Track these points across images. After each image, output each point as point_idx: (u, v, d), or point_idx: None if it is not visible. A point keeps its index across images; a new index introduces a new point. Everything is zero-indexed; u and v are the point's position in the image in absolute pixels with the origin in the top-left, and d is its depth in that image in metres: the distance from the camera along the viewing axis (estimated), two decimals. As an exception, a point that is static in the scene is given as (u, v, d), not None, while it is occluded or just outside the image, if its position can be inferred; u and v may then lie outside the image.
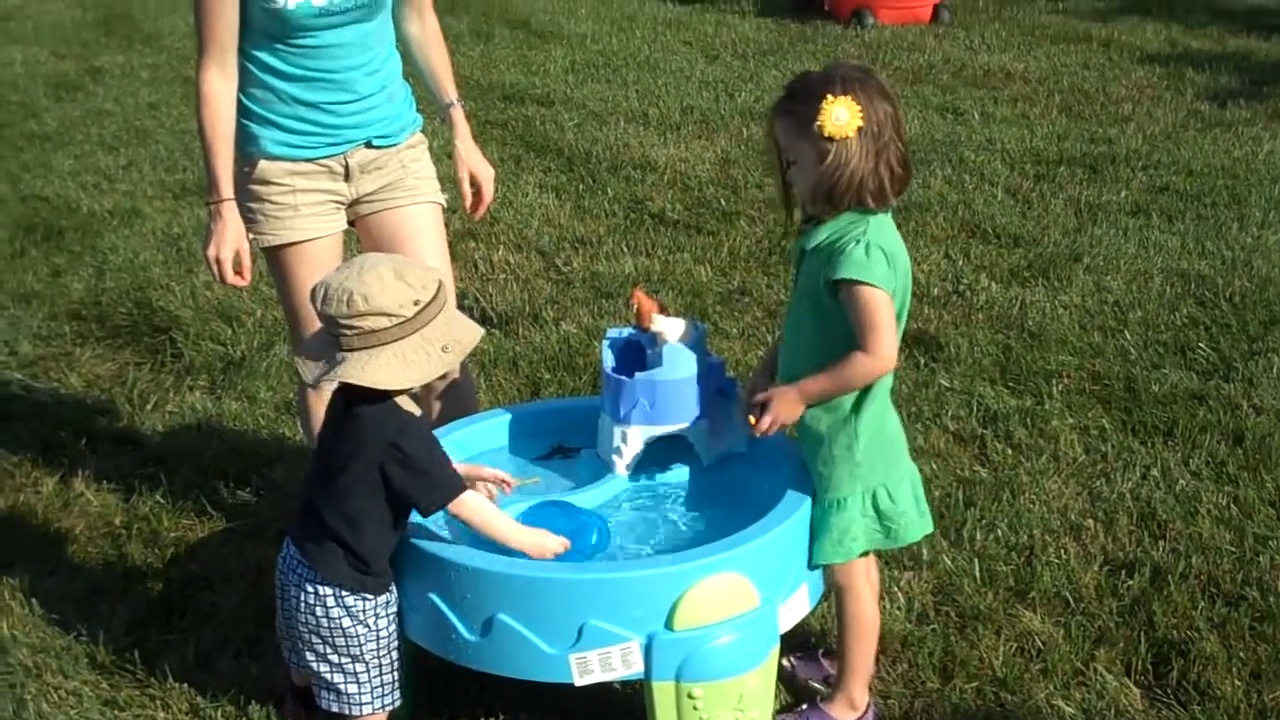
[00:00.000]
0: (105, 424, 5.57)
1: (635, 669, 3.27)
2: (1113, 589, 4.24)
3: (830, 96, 3.25)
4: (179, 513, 4.83)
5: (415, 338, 3.19)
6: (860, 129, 3.26)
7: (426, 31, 4.33)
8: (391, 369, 3.17)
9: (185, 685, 3.87)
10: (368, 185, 4.16)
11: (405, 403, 3.29)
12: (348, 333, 3.16)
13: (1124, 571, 4.32)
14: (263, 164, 4.02)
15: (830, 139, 3.26)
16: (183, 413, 5.61)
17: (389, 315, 3.15)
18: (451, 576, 3.30)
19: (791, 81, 3.44)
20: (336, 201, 4.14)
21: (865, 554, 3.54)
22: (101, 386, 5.95)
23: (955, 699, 3.76)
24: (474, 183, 4.38)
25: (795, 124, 3.33)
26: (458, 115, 4.36)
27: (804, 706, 3.72)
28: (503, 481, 3.63)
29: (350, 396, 3.25)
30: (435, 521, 3.54)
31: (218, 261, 3.92)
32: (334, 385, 3.28)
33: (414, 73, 4.36)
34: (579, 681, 3.28)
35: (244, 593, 4.28)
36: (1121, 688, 3.79)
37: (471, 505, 3.32)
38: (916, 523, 3.56)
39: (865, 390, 3.42)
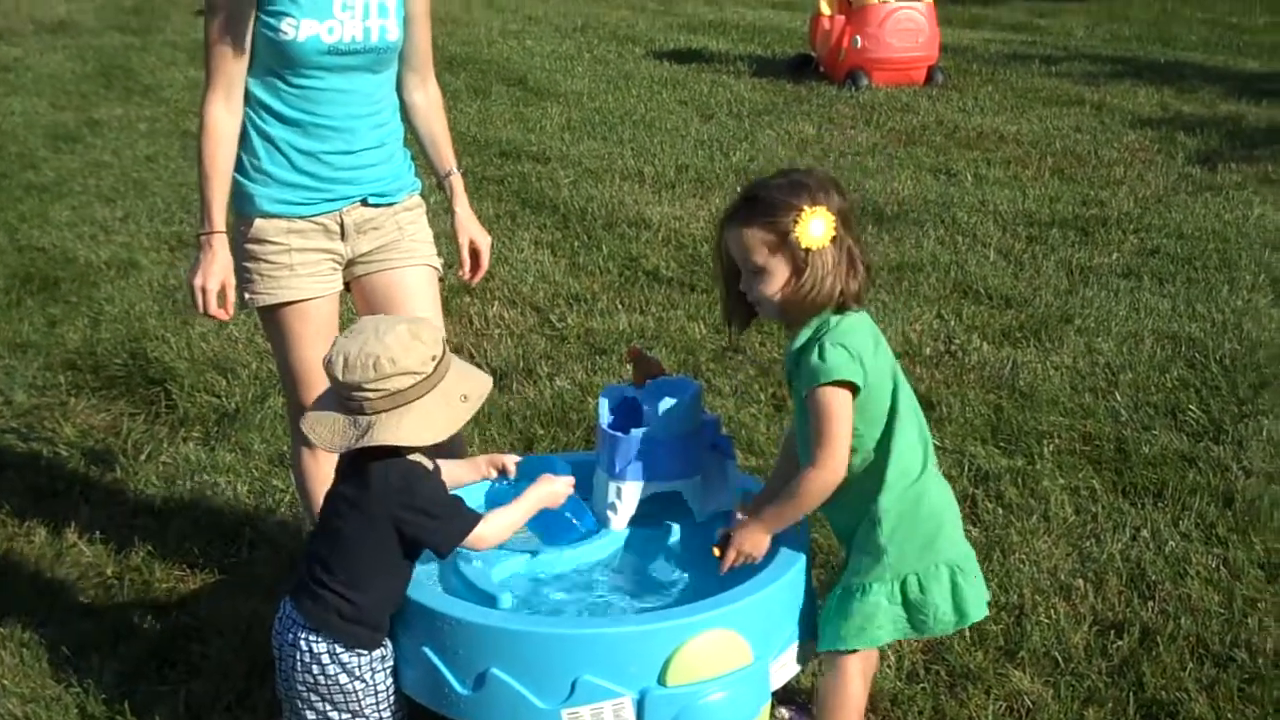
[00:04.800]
0: (99, 474, 5.58)
1: (627, 725, 3.28)
2: (1102, 649, 4.25)
3: (806, 208, 3.24)
4: (171, 564, 4.84)
5: (436, 392, 3.26)
6: (835, 238, 3.27)
7: (430, 100, 4.37)
8: (421, 425, 3.23)
9: (176, 737, 3.87)
10: (363, 245, 4.18)
11: (413, 455, 3.33)
12: (372, 396, 3.20)
13: (1113, 632, 4.34)
14: (259, 223, 4.03)
15: (807, 251, 3.25)
16: (176, 464, 5.62)
17: (413, 374, 3.21)
18: (444, 630, 3.30)
19: (749, 191, 3.40)
20: (334, 261, 4.14)
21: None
22: (96, 437, 5.96)
23: (945, 758, 3.78)
24: (472, 249, 4.43)
25: (766, 236, 3.30)
26: (457, 183, 4.42)
27: None
28: (503, 468, 3.70)
29: (365, 451, 3.27)
30: (430, 573, 3.57)
31: (203, 291, 3.93)
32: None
33: (414, 139, 4.40)
34: (571, 737, 3.28)
35: (235, 645, 4.28)
36: (1111, 748, 3.81)
37: (486, 532, 3.38)
38: (950, 617, 3.44)
39: (882, 468, 3.36)
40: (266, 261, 4.05)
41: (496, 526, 3.41)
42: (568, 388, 6.23)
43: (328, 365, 3.24)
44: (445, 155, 4.42)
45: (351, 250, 4.16)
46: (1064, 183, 10.05)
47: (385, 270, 4.23)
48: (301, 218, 4.05)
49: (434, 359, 3.25)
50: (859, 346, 3.30)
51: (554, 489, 3.53)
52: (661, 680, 3.24)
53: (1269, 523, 4.96)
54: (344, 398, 3.24)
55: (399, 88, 4.26)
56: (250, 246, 4.05)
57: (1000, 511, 5.08)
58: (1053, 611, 4.43)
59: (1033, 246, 8.41)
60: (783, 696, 3.60)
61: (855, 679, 3.50)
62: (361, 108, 4.06)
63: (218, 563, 4.86)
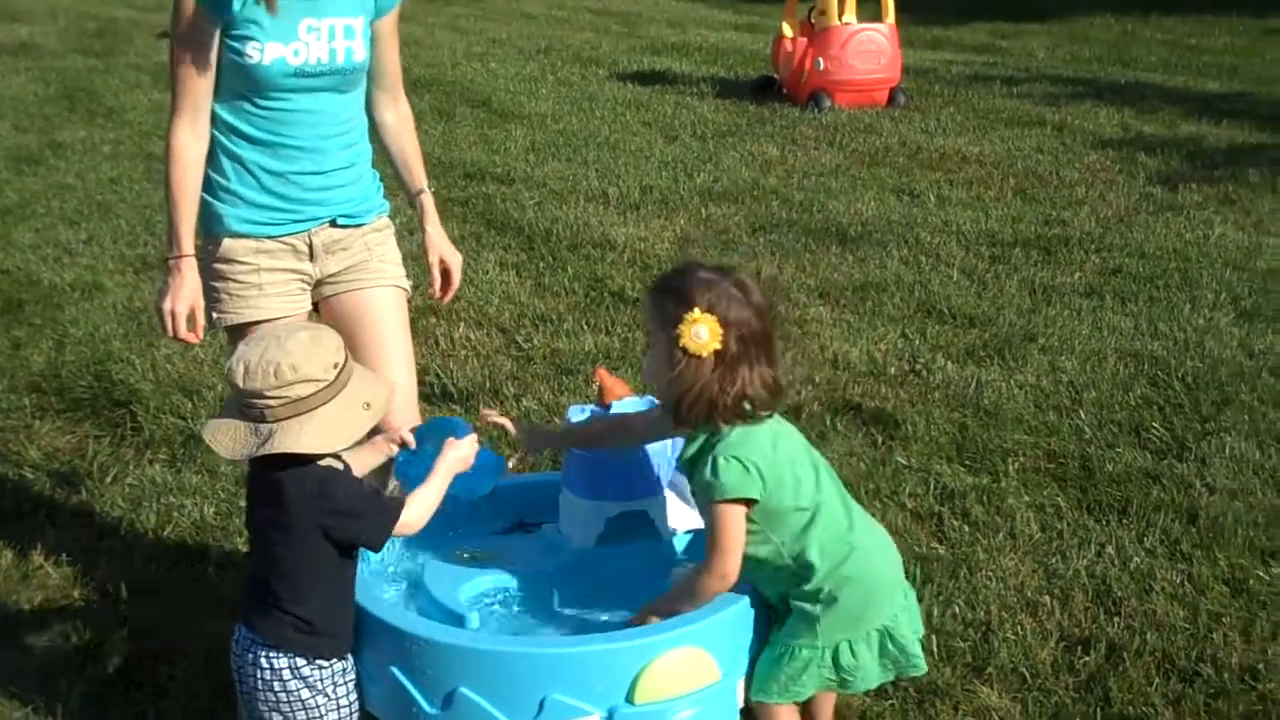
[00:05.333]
0: (65, 496, 5.56)
1: (596, 742, 3.28)
2: (1069, 665, 4.28)
3: (697, 311, 3.22)
4: (138, 586, 4.82)
5: (339, 399, 3.24)
6: (717, 353, 3.24)
7: (401, 120, 4.37)
8: (322, 433, 3.21)
9: (144, 759, 3.86)
10: (332, 266, 4.18)
11: (323, 459, 3.32)
12: (274, 403, 3.18)
13: (1080, 648, 4.36)
14: (227, 242, 4.04)
15: (685, 351, 3.24)
16: (143, 486, 5.60)
17: (315, 381, 3.19)
18: (412, 650, 3.30)
19: (673, 270, 3.42)
20: (302, 282, 4.15)
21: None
22: (61, 459, 5.93)
23: (913, 774, 3.79)
24: (443, 268, 4.42)
25: (659, 315, 3.30)
26: (427, 201, 4.40)
27: None
28: (402, 441, 3.66)
29: (271, 463, 3.25)
30: (398, 594, 3.58)
31: (172, 315, 3.93)
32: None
33: (386, 159, 4.40)
34: (540, 755, 3.28)
35: (202, 666, 4.27)
36: (1078, 763, 3.83)
37: (411, 517, 3.39)
38: (877, 674, 3.47)
39: (805, 558, 3.35)
40: (235, 281, 4.05)
41: (420, 508, 3.42)
42: (534, 408, 6.23)
43: (228, 373, 3.23)
44: (416, 173, 4.42)
45: (320, 271, 4.16)
46: (1026, 203, 10.11)
47: (354, 291, 4.23)
48: (270, 238, 4.05)
49: (336, 366, 3.24)
50: (753, 455, 3.29)
51: (461, 454, 3.51)
52: (630, 698, 3.24)
53: (1233, 539, 5.00)
54: (245, 405, 3.22)
55: (369, 107, 4.27)
56: (219, 266, 4.05)
57: (966, 529, 5.10)
58: (1020, 628, 4.46)
59: (996, 266, 8.46)
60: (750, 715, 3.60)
61: None
62: (330, 128, 4.06)
63: (184, 584, 4.84)
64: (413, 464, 3.62)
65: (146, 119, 13.20)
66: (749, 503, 3.30)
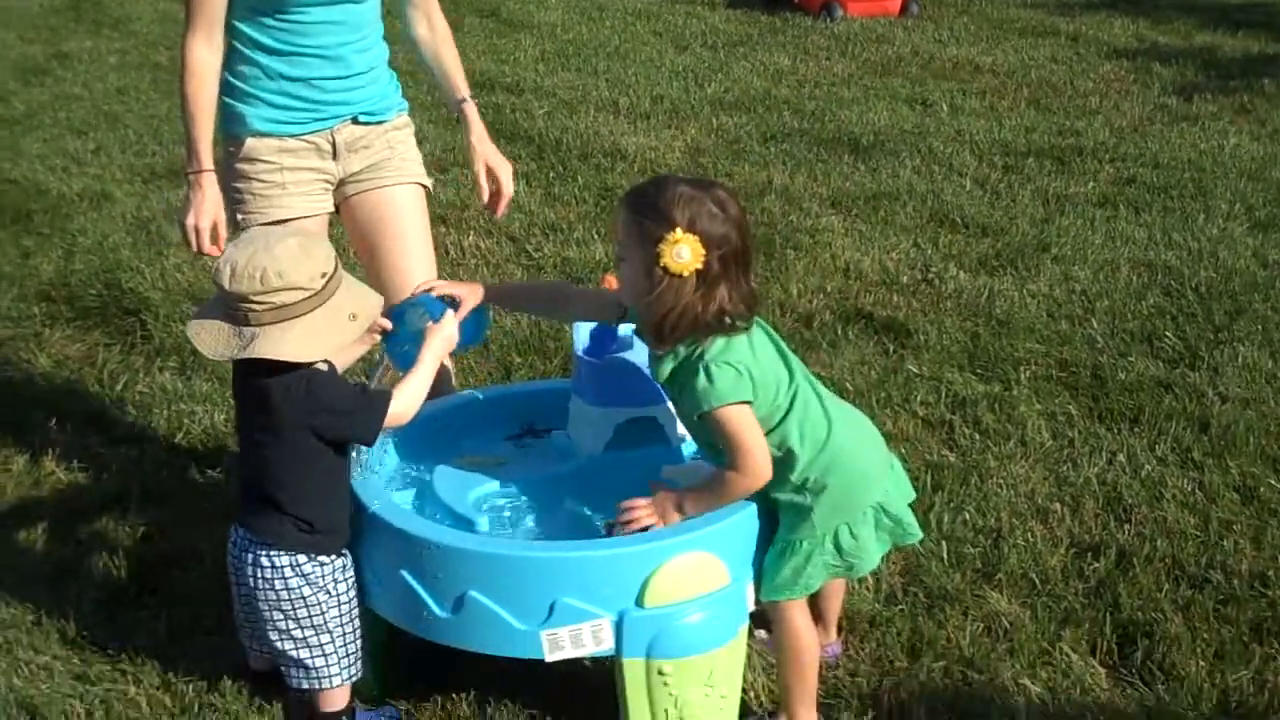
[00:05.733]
0: (75, 404, 5.55)
1: (606, 646, 3.29)
2: (1079, 571, 4.28)
3: (679, 230, 3.17)
4: (149, 492, 4.83)
5: (324, 309, 3.23)
6: (699, 271, 3.20)
7: (436, 34, 4.35)
8: (305, 341, 3.20)
9: (156, 661, 3.87)
10: (354, 164, 4.16)
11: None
12: (258, 308, 3.17)
13: (1090, 554, 4.36)
14: (250, 142, 4.01)
15: (666, 270, 3.19)
16: (153, 393, 5.60)
17: (300, 289, 3.18)
18: (423, 554, 3.31)
19: (649, 184, 3.35)
20: (325, 181, 4.14)
21: None
22: (71, 367, 5.93)
23: (923, 678, 3.79)
24: (492, 177, 4.33)
25: (637, 233, 3.25)
26: (471, 111, 4.32)
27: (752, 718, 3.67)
28: (382, 330, 3.62)
29: (256, 369, 3.25)
30: (406, 498, 3.60)
31: (195, 230, 3.91)
32: None
33: (425, 73, 4.39)
34: (549, 657, 3.29)
35: (214, 571, 4.26)
36: (1087, 667, 3.83)
37: (400, 408, 3.39)
38: (876, 551, 3.48)
39: (790, 448, 3.34)
40: (259, 180, 4.04)
41: (409, 397, 3.42)
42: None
43: (215, 273, 3.21)
44: (457, 84, 4.36)
45: (343, 170, 4.15)
46: (1040, 113, 10.04)
47: (375, 189, 4.22)
48: (293, 136, 4.04)
49: (324, 276, 3.23)
50: (740, 358, 3.27)
51: (444, 334, 3.51)
52: (640, 602, 3.25)
53: (1244, 447, 4.98)
54: (230, 307, 3.21)
55: (405, 26, 4.26)
56: (241, 166, 4.03)
57: (977, 437, 5.09)
58: (1030, 535, 4.46)
59: (1009, 176, 8.41)
60: (760, 618, 3.60)
61: (798, 623, 3.50)
62: (348, 36, 4.03)
63: (195, 490, 4.85)
64: (397, 344, 3.61)
65: (153, 29, 13.12)
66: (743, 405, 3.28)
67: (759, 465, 3.28)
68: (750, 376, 3.26)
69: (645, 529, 3.35)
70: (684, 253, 3.17)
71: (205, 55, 3.90)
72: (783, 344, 3.43)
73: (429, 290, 3.67)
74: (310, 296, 3.20)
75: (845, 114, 9.95)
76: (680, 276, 3.19)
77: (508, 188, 4.35)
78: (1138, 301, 6.34)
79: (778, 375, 3.35)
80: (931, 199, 7.92)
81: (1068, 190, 8.09)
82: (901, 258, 6.98)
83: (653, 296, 3.23)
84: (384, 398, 3.36)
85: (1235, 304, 6.29)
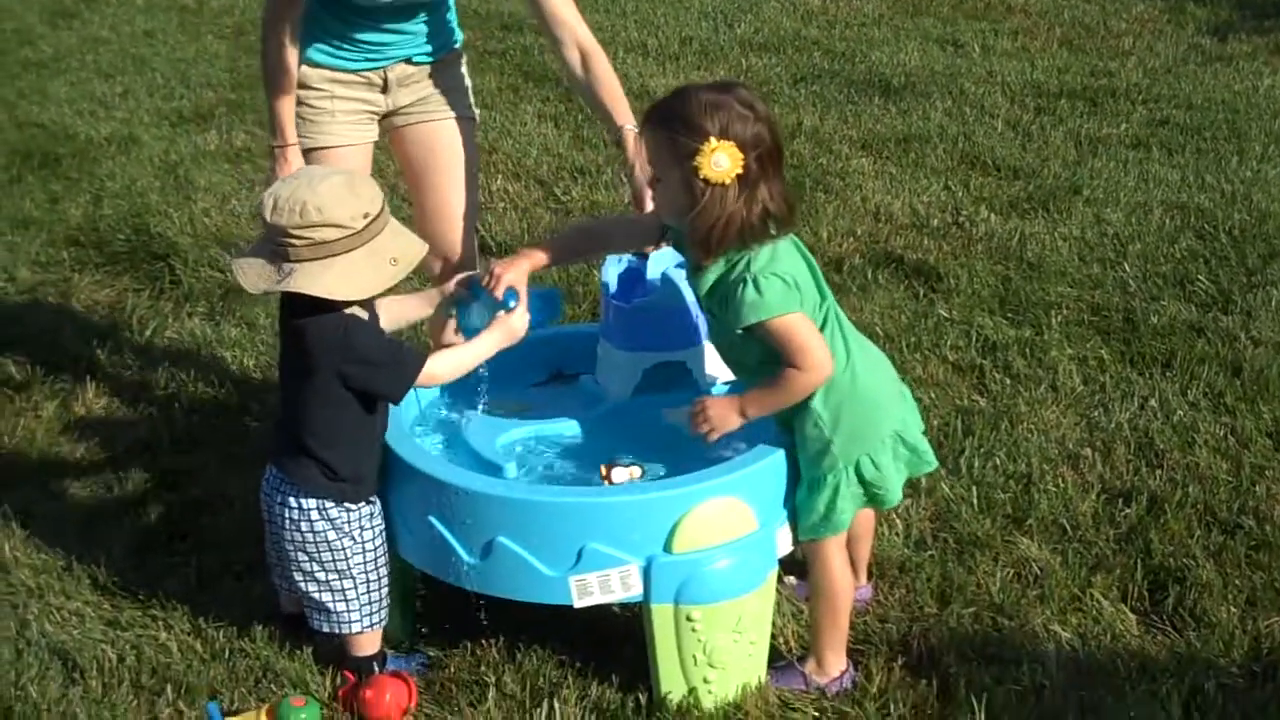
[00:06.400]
0: (105, 350, 5.57)
1: (634, 592, 3.29)
2: (1110, 517, 4.26)
3: (713, 139, 3.13)
4: (179, 437, 4.85)
5: (364, 250, 3.22)
6: (740, 176, 3.16)
7: (589, 61, 4.09)
8: (342, 280, 3.20)
9: (187, 607, 3.89)
10: (404, 98, 4.21)
11: (349, 307, 3.31)
12: (297, 243, 3.17)
13: (1121, 500, 4.34)
14: (304, 69, 4.05)
15: (706, 182, 3.15)
16: (182, 339, 5.62)
17: (340, 227, 3.17)
18: (451, 500, 3.31)
19: (669, 97, 3.28)
20: (371, 112, 4.19)
21: None
22: (100, 312, 5.95)
23: (953, 623, 3.78)
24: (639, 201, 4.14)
25: (670, 150, 3.20)
26: (628, 139, 4.07)
27: (780, 663, 3.64)
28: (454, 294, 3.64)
29: (296, 309, 3.27)
30: (435, 443, 3.59)
31: None
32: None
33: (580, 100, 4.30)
34: (578, 603, 3.30)
35: (243, 517, 4.28)
36: (1118, 613, 3.81)
37: (438, 369, 3.39)
38: (897, 480, 3.46)
39: None
40: (309, 106, 4.09)
41: (449, 364, 3.42)
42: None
43: (259, 205, 3.22)
44: (612, 112, 4.12)
45: (392, 103, 4.20)
46: (1072, 54, 9.94)
47: (424, 122, 4.27)
48: (347, 70, 4.09)
49: (366, 216, 3.21)
50: (787, 269, 3.24)
51: (512, 327, 3.47)
52: (668, 547, 3.25)
53: (1277, 392, 4.94)
54: (272, 242, 3.21)
55: (552, 48, 4.21)
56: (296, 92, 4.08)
57: (1008, 382, 5.06)
58: (1061, 480, 4.44)
59: (1041, 117, 8.34)
60: (789, 565, 3.60)
61: (834, 564, 3.50)
62: (419, 22, 4.11)
63: (225, 436, 4.86)
64: (466, 317, 3.61)
65: (181, -29, 13.09)
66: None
67: (821, 359, 3.25)
68: (797, 286, 3.23)
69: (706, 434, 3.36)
70: (722, 160, 3.14)
71: (288, 46, 3.93)
72: (815, 264, 3.40)
73: (494, 280, 3.57)
74: (350, 235, 3.19)
75: (876, 55, 9.87)
76: (722, 185, 3.16)
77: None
78: (1170, 244, 6.29)
79: (812, 291, 3.33)
80: (963, 141, 7.86)
81: (1100, 132, 8.02)
82: (932, 200, 6.93)
83: (696, 210, 3.19)
84: (417, 359, 3.36)
85: (1269, 247, 6.23)
